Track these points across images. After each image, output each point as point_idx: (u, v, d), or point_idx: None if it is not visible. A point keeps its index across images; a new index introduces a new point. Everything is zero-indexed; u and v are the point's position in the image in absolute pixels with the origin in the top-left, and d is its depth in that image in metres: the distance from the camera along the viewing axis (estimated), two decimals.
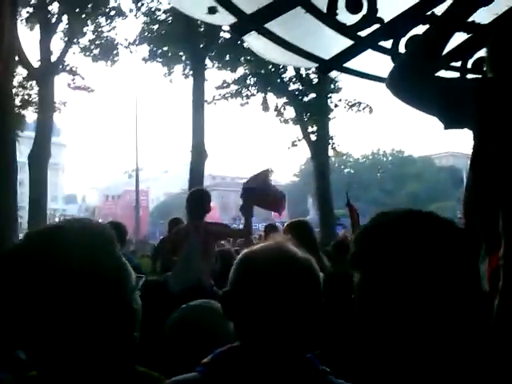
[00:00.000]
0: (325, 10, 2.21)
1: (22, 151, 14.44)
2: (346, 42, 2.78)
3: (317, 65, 2.95)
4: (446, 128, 1.58)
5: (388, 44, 2.68)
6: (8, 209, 9.82)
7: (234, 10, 2.21)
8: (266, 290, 1.02)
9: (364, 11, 2.15)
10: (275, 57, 2.90)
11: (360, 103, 16.79)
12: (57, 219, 48.77)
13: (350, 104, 16.70)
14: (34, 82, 14.55)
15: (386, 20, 2.41)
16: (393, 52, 2.66)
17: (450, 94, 1.47)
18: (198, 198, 4.08)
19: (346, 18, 2.28)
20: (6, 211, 9.77)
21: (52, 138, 15.26)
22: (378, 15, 2.24)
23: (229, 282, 1.11)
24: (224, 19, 2.29)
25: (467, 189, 1.64)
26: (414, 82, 1.47)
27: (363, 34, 2.63)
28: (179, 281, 3.68)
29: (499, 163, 1.41)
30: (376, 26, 2.36)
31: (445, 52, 3.09)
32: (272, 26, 2.41)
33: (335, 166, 50.77)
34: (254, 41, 2.51)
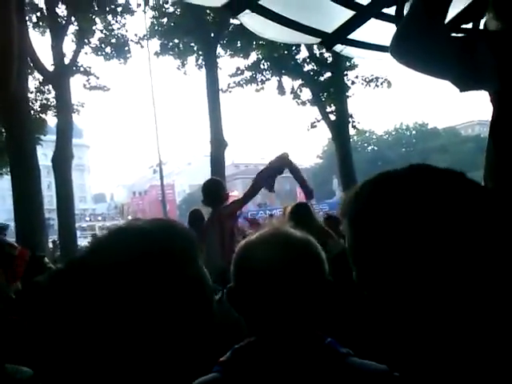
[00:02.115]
0: None
1: (48, 155, 14.74)
2: (348, 13, 2.66)
3: (319, 40, 2.83)
4: (461, 91, 1.48)
5: (392, 11, 2.55)
6: (33, 212, 10.09)
7: None
8: (266, 278, 0.98)
9: None
10: (274, 35, 2.79)
11: (377, 78, 16.50)
12: (87, 218, 49.90)
13: (367, 80, 16.42)
14: (50, 86, 14.75)
15: None
16: (397, 19, 2.53)
17: (462, 51, 1.36)
18: (207, 189, 4.05)
19: None
20: (32, 214, 10.05)
21: (75, 139, 15.52)
22: None
23: (231, 276, 1.07)
24: (217, 0, 2.21)
25: (487, 159, 1.50)
26: (418, 43, 1.37)
27: (365, 2, 2.51)
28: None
29: None
30: None
31: (454, 14, 2.93)
32: (267, 2, 2.31)
33: (358, 145, 50.30)
34: (249, 20, 2.42)
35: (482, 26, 2.97)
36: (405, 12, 2.59)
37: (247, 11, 2.30)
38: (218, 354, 1.05)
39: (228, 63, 55.58)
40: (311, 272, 1.01)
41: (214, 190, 3.98)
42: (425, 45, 1.36)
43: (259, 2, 2.27)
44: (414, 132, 58.43)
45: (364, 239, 0.80)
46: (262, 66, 16.54)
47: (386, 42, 3.10)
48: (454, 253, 0.72)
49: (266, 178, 3.73)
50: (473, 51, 1.37)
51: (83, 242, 20.38)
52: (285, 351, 0.98)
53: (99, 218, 50.22)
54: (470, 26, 2.93)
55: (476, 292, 0.72)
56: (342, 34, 2.77)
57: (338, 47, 2.96)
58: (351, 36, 2.84)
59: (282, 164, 3.76)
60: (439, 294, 0.73)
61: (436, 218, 0.73)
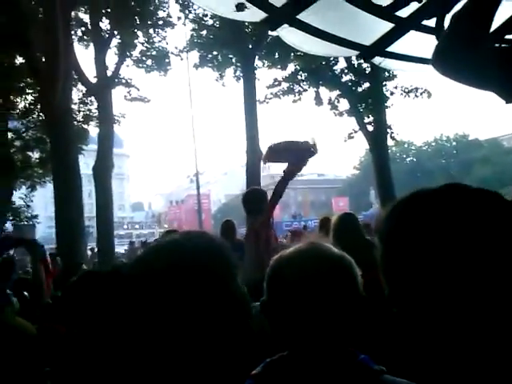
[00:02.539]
0: None
1: (89, 164, 15.21)
2: (387, 26, 2.64)
3: (358, 52, 2.82)
4: (507, 102, 1.45)
5: (432, 23, 2.51)
6: (74, 220, 10.39)
7: (262, 4, 2.15)
8: (301, 295, 0.99)
9: None
10: (312, 48, 2.79)
11: (417, 89, 16.24)
12: (125, 226, 50.93)
13: (406, 90, 16.18)
14: (93, 98, 15.23)
15: None
16: (438, 31, 2.49)
17: (507, 62, 1.33)
18: (249, 199, 4.05)
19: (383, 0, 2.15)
20: (72, 222, 10.35)
21: (115, 149, 15.93)
22: None
23: (264, 290, 1.08)
24: (254, 15, 2.23)
25: None
26: (462, 54, 1.34)
27: (404, 14, 2.48)
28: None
29: None
30: (415, 5, 2.21)
31: (498, 24, 2.86)
32: (305, 16, 2.32)
33: (396, 156, 49.45)
34: (288, 34, 2.43)
35: None
36: (445, 24, 2.55)
37: (285, 26, 2.32)
38: (250, 367, 1.05)
39: (266, 74, 56.12)
40: (345, 287, 1.01)
41: (252, 200, 3.98)
42: (468, 57, 1.33)
43: (297, 17, 2.28)
44: (454, 143, 56.93)
45: (395, 257, 0.79)
46: (299, 77, 16.55)
47: (426, 53, 3.06)
48: (483, 273, 0.70)
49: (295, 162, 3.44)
50: None
51: (121, 249, 20.81)
52: (317, 366, 0.98)
53: (137, 226, 51.16)
54: None
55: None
56: (380, 46, 2.75)
57: (377, 59, 2.93)
58: (390, 48, 2.82)
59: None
60: (472, 314, 0.71)
61: (467, 238, 0.71)
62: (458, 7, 2.23)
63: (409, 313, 0.78)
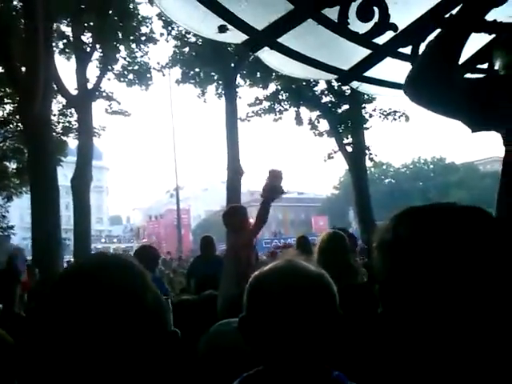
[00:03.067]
0: (336, 20, 2.17)
1: (68, 176, 15.04)
2: (364, 52, 2.72)
3: (336, 76, 2.90)
4: (473, 131, 1.50)
5: (407, 50, 2.60)
6: (50, 231, 10.23)
7: (244, 27, 2.20)
8: (279, 311, 1.00)
9: (376, 19, 2.09)
10: (292, 71, 2.86)
11: (395, 112, 16.58)
12: (103, 240, 50.18)
13: (384, 113, 16.50)
14: (73, 110, 15.13)
15: (402, 26, 2.35)
16: (413, 58, 2.58)
17: (475, 93, 1.40)
18: (230, 216, 4.07)
19: (360, 26, 2.23)
20: (49, 233, 10.18)
21: (95, 161, 15.80)
22: (393, 22, 2.17)
23: (243, 306, 1.09)
24: (236, 37, 2.28)
25: (499, 199, 1.51)
26: (432, 83, 1.40)
27: (381, 41, 2.57)
28: (219, 302, 3.66)
29: None
30: (391, 33, 2.30)
31: (470, 54, 2.96)
32: (285, 40, 2.39)
33: (375, 177, 50.10)
34: (268, 56, 2.49)
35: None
36: (420, 52, 2.64)
37: (266, 48, 2.38)
38: (229, 381, 1.07)
39: (247, 93, 56.39)
40: (323, 304, 1.02)
41: (232, 217, 4.01)
42: (437, 86, 1.39)
43: (278, 40, 2.34)
44: (431, 166, 58.04)
45: (401, 268, 0.81)
46: (280, 97, 16.76)
47: (402, 79, 3.15)
48: (481, 284, 0.75)
49: (270, 195, 3.69)
50: (486, 93, 1.40)
51: None
52: (292, 382, 0.99)
53: (114, 240, 50.40)
54: (485, 65, 2.97)
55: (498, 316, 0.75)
56: (358, 71, 2.83)
57: (355, 83, 3.01)
58: (367, 73, 2.90)
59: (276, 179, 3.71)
60: (468, 325, 0.75)
61: (470, 253, 0.76)
62: (432, 36, 2.33)
63: (404, 326, 0.81)
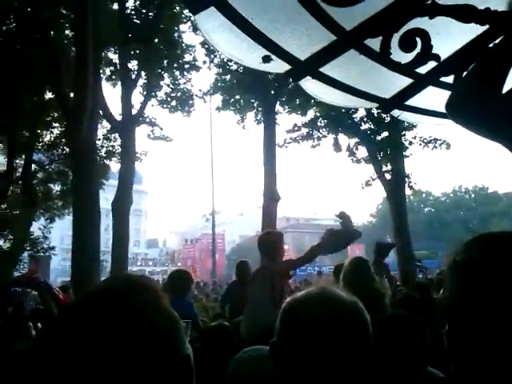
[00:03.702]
0: (378, 50, 2.20)
1: (108, 199, 15.46)
2: (406, 81, 2.73)
3: (377, 105, 2.91)
4: None
5: (449, 79, 2.60)
6: (91, 255, 10.48)
7: (287, 57, 2.26)
8: (313, 339, 1.00)
9: (418, 49, 2.11)
10: (334, 99, 2.89)
11: (436, 139, 16.33)
12: (139, 263, 50.87)
13: (425, 141, 16.27)
14: (116, 134, 15.65)
15: (444, 56, 2.35)
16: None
17: None
18: (265, 241, 4.07)
19: (402, 56, 2.25)
20: (89, 257, 10.43)
21: (134, 185, 16.20)
22: (435, 51, 2.18)
23: (276, 332, 1.09)
24: (279, 67, 2.34)
25: None
26: (473, 104, 1.41)
27: (423, 71, 2.57)
28: (248, 327, 3.64)
29: None
30: (434, 63, 2.30)
31: None
32: (327, 69, 2.43)
33: (414, 205, 49.10)
34: (310, 85, 2.53)
35: None
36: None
37: (308, 77, 2.42)
38: None
39: (286, 119, 57.06)
40: (356, 335, 1.01)
41: (267, 243, 4.01)
42: (480, 105, 1.39)
43: (320, 69, 2.38)
44: (473, 195, 56.49)
45: (472, 288, 0.82)
46: (318, 124, 16.82)
47: (444, 108, 3.13)
48: None
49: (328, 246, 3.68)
50: None
51: None
52: None
53: (150, 263, 51.01)
54: None
55: None
56: (399, 99, 2.83)
57: (396, 112, 3.01)
58: (409, 102, 2.90)
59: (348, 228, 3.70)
60: None
61: None
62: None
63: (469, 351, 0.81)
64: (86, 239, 10.37)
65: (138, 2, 13.66)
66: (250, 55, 2.27)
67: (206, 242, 38.91)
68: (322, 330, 0.99)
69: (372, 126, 16.25)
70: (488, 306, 0.79)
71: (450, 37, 2.36)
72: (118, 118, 14.88)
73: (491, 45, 2.29)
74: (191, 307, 5.23)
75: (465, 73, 1.56)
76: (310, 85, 2.55)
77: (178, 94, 16.21)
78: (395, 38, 2.12)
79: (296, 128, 16.98)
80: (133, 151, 15.20)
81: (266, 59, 2.23)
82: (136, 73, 14.81)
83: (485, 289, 0.80)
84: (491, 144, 1.48)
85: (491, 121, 1.41)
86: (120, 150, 15.60)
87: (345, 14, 2.01)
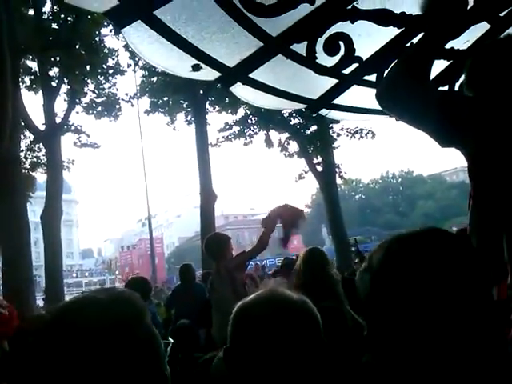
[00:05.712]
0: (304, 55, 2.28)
1: (36, 211, 14.72)
2: (332, 81, 2.84)
3: (306, 105, 3.01)
4: (442, 146, 1.57)
5: (372, 78, 2.74)
6: (23, 270, 9.95)
7: (216, 65, 2.28)
8: (264, 342, 1.01)
9: (342, 52, 2.21)
10: (264, 103, 2.96)
11: (362, 130, 17.01)
12: (74, 274, 48.95)
13: (351, 132, 16.91)
14: (41, 144, 14.92)
15: (366, 56, 2.47)
16: (378, 85, 2.70)
17: (444, 109, 1.45)
18: (213, 244, 4.08)
19: (327, 59, 2.34)
20: (21, 272, 9.91)
21: (64, 195, 15.53)
22: (357, 54, 2.29)
23: (227, 337, 1.10)
24: (209, 74, 2.36)
25: (471, 217, 1.59)
26: (400, 94, 1.47)
27: (347, 71, 2.69)
28: (220, 331, 3.65)
29: (499, 186, 1.39)
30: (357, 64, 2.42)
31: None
32: (256, 75, 2.48)
33: (346, 193, 50.76)
34: (241, 91, 2.57)
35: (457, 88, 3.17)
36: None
37: (238, 84, 2.47)
38: None
39: (217, 118, 56.95)
40: (307, 334, 1.04)
41: (215, 245, 4.03)
42: (407, 94, 1.46)
43: (249, 75, 2.43)
44: (399, 180, 59.30)
45: (385, 290, 0.88)
46: (249, 121, 16.98)
47: (368, 105, 3.29)
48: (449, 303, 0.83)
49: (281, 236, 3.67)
50: (452, 110, 1.47)
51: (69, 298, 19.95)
52: None
53: (86, 274, 49.33)
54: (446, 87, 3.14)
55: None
56: (326, 99, 2.94)
57: (324, 111, 3.13)
58: (335, 101, 3.02)
59: (294, 215, 3.72)
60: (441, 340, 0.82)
61: (440, 277, 0.85)
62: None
63: (387, 343, 0.88)
64: (16, 257, 9.84)
65: (55, 7, 13.01)
66: (179, 65, 2.27)
67: (144, 247, 38.03)
68: (273, 333, 1.01)
69: (301, 121, 16.63)
70: (393, 306, 0.87)
71: (369, 38, 2.48)
72: (42, 127, 14.19)
73: (408, 44, 2.45)
74: (156, 317, 4.97)
75: (392, 65, 1.63)
76: (240, 90, 2.59)
77: (104, 99, 15.69)
78: (320, 43, 2.21)
79: (227, 127, 17.06)
80: (59, 160, 14.55)
81: (196, 68, 2.25)
82: (57, 80, 14.15)
83: (387, 291, 0.88)
84: (414, 130, 1.58)
85: (417, 109, 1.48)
86: (45, 160, 14.90)
87: (270, 21, 2.06)
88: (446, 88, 3.11)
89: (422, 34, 1.63)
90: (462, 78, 1.71)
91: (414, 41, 2.42)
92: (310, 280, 2.85)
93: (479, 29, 2.34)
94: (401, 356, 0.86)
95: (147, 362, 0.85)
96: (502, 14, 2.21)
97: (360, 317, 2.65)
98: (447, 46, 2.30)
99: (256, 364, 1.01)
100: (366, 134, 17.06)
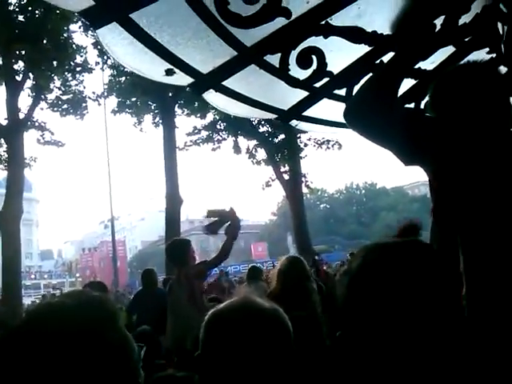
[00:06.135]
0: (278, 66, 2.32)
1: None
2: (303, 93, 2.90)
3: (276, 116, 3.05)
4: (406, 164, 1.63)
5: (342, 92, 2.80)
6: None
7: (190, 70, 2.29)
8: (235, 349, 1.02)
9: (314, 66, 2.26)
10: (236, 111, 2.98)
11: (329, 141, 17.32)
12: (33, 276, 47.46)
13: (319, 142, 17.17)
14: (2, 140, 14.48)
15: (336, 71, 2.53)
16: (347, 99, 2.77)
17: (409, 121, 1.52)
18: (174, 250, 4.07)
19: (299, 71, 2.38)
20: None
21: (24, 193, 15.10)
22: (329, 68, 2.35)
23: (199, 344, 1.10)
24: (182, 79, 2.37)
25: (431, 230, 1.65)
26: (367, 113, 1.53)
27: (318, 84, 2.75)
28: (174, 338, 3.64)
29: (457, 201, 1.46)
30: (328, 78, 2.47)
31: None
32: (229, 82, 2.50)
33: (311, 203, 51.30)
34: (213, 97, 2.59)
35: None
36: (354, 93, 2.84)
37: (211, 91, 2.48)
38: None
39: (185, 122, 56.64)
40: (278, 342, 1.05)
41: (177, 251, 4.01)
42: (373, 114, 1.52)
43: (222, 83, 2.45)
44: (363, 191, 60.36)
45: (361, 293, 0.93)
46: (218, 127, 17.01)
47: (337, 118, 3.35)
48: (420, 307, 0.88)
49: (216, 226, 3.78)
50: (418, 123, 1.54)
51: (28, 300, 19.35)
52: None
53: (45, 276, 47.91)
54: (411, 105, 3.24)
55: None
56: (296, 111, 2.99)
57: (294, 122, 3.18)
58: (305, 113, 3.08)
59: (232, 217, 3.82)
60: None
61: (412, 286, 0.89)
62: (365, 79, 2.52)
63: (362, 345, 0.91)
64: None
65: (23, 0, 12.68)
66: (153, 68, 2.27)
67: (106, 250, 37.30)
68: (245, 339, 1.03)
69: (269, 129, 16.78)
70: (367, 312, 0.91)
71: (341, 53, 2.55)
72: (4, 122, 13.78)
73: (378, 61, 2.52)
74: None
75: (360, 84, 1.69)
76: (212, 97, 2.61)
77: (70, 97, 15.36)
78: (293, 56, 2.25)
79: (196, 131, 17.02)
80: (21, 157, 14.16)
81: (170, 72, 2.25)
82: (22, 74, 13.79)
83: (363, 298, 0.92)
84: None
85: (382, 126, 1.54)
86: (6, 156, 14.45)
87: (245, 31, 2.09)
88: (412, 105, 3.21)
89: (392, 54, 1.71)
90: (427, 98, 1.79)
91: (384, 58, 2.52)
92: (288, 289, 2.91)
93: (445, 51, 2.43)
94: (372, 354, 0.90)
95: (120, 367, 0.85)
96: (466, 40, 2.31)
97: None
98: (415, 66, 2.40)
99: (226, 370, 1.02)
100: (332, 145, 17.39)
